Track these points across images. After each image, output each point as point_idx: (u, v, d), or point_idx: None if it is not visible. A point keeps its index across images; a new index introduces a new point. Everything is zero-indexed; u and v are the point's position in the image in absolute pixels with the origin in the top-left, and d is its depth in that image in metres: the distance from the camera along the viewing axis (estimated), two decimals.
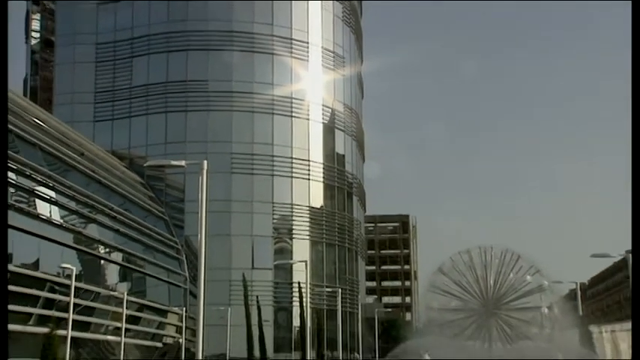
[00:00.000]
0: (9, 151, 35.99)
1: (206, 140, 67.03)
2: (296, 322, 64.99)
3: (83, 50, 71.21)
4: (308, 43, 72.92)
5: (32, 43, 78.37)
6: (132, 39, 70.51)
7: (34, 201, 39.21)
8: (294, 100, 70.91)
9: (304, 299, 51.27)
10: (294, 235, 69.22)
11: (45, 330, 32.92)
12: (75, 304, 36.88)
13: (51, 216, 40.54)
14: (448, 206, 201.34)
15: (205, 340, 24.72)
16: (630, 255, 33.30)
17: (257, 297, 61.07)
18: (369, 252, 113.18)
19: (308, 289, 45.92)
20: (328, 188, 72.86)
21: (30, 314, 36.32)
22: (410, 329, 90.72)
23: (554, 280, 42.95)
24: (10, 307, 32.16)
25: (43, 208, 39.80)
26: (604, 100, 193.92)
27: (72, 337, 36.33)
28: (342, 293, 58.31)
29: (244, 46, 69.88)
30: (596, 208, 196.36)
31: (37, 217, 38.58)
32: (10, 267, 33.97)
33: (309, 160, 70.79)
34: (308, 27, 73.39)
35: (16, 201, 36.62)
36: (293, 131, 70.52)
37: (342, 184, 74.82)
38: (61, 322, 36.14)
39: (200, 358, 22.10)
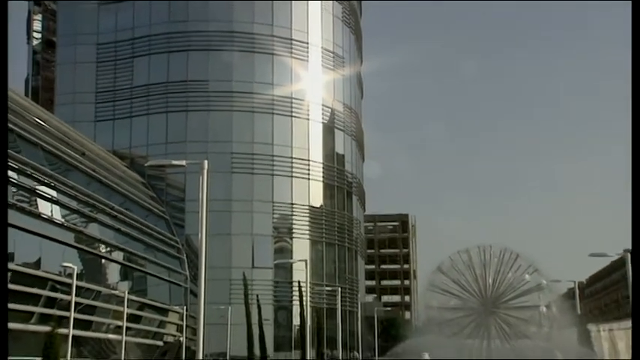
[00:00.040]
0: (11, 151, 36.25)
1: (206, 140, 67.23)
2: (296, 320, 65.12)
3: (84, 50, 71.37)
4: (308, 43, 73.12)
5: (34, 44, 78.59)
6: (133, 39, 70.68)
7: (36, 200, 39.37)
8: (294, 100, 71.11)
9: (304, 298, 51.48)
10: (294, 235, 69.43)
11: (46, 328, 33.07)
12: (76, 303, 37.10)
13: (52, 215, 40.73)
14: (448, 206, 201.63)
15: (206, 339, 24.89)
16: (629, 254, 33.56)
17: (257, 296, 61.19)
18: (369, 251, 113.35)
19: (308, 288, 46.03)
20: (328, 188, 73.06)
21: (32, 313, 36.51)
22: (409, 328, 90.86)
23: (552, 279, 43.27)
24: (12, 305, 32.40)
25: (44, 208, 39.97)
26: (604, 100, 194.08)
27: (73, 336, 36.54)
28: (341, 292, 58.47)
29: (244, 47, 70.08)
30: (595, 208, 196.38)
31: (38, 216, 38.76)
32: (12, 266, 34.21)
33: (308, 160, 70.99)
34: (308, 27, 73.59)
35: (17, 200, 36.78)
36: (293, 131, 70.72)
37: (341, 184, 75.03)
38: (62, 321, 36.27)
39: (201, 356, 22.25)
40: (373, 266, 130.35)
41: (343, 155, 76.11)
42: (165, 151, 65.20)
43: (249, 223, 67.11)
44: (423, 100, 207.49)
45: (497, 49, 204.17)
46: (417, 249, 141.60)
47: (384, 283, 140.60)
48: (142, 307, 51.51)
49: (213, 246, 51.96)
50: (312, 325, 54.85)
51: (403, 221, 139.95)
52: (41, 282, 37.55)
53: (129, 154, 68.28)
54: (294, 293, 65.33)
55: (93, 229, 46.64)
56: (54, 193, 41.58)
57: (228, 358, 58.06)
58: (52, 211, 40.85)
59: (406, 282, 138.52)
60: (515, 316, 40.20)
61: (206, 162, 23.07)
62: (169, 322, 56.16)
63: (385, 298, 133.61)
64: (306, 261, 47.22)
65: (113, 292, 46.23)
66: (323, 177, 72.11)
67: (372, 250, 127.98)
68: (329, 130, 74.18)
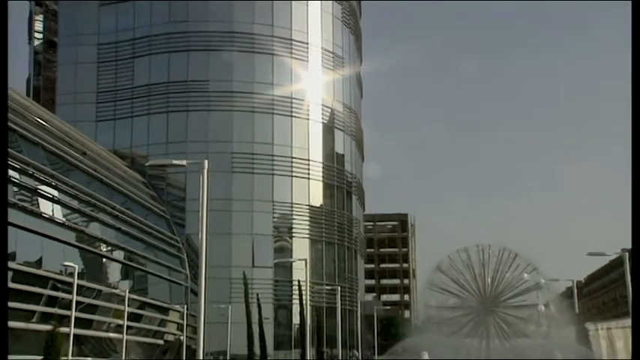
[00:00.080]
0: (13, 151, 36.46)
1: (207, 140, 67.40)
2: (296, 319, 65.28)
3: (85, 51, 71.53)
4: (308, 43, 73.30)
5: (35, 44, 78.74)
6: (133, 39, 70.84)
7: (37, 200, 39.48)
8: (294, 100, 71.29)
9: (304, 297, 51.71)
10: (294, 234, 69.61)
11: (48, 327, 33.22)
12: (77, 302, 37.25)
13: (53, 215, 40.89)
14: (447, 206, 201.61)
15: (206, 338, 25.08)
16: (627, 254, 33.79)
17: (257, 295, 61.38)
18: (368, 250, 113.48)
19: (308, 287, 46.24)
20: (328, 187, 73.24)
21: (33, 312, 36.65)
22: (408, 327, 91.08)
23: (550, 278, 43.45)
24: (14, 304, 32.62)
25: (45, 207, 40.10)
26: (604, 100, 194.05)
27: (74, 335, 36.77)
28: (341, 291, 58.58)
29: (244, 47, 70.26)
30: (595, 208, 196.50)
31: (39, 215, 38.91)
32: (14, 265, 34.37)
33: (308, 160, 71.18)
34: (308, 28, 73.77)
35: (19, 200, 36.97)
36: (293, 131, 70.90)
37: (341, 184, 75.22)
38: (63, 320, 36.37)
39: (201, 355, 22.41)
40: (373, 265, 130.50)
41: (343, 155, 76.29)
42: (166, 150, 65.39)
43: (249, 223, 67.30)
44: (423, 100, 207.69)
45: (497, 49, 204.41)
46: (417, 248, 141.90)
47: (384, 282, 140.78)
48: (143, 305, 51.71)
49: (213, 245, 52.29)
50: (312, 323, 55.04)
51: (402, 221, 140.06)
52: (42, 281, 37.72)
53: (130, 154, 68.46)
54: (294, 292, 65.53)
55: (94, 229, 46.82)
56: (55, 192, 41.75)
57: (228, 356, 58.22)
58: (53, 211, 41.02)
59: (405, 281, 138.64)
60: (514, 314, 40.32)
61: (206, 162, 23.27)
62: (170, 321, 56.32)
63: (384, 297, 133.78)
64: (306, 260, 47.38)
65: (114, 291, 46.42)
66: (323, 177, 72.29)
67: (372, 250, 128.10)
68: (329, 130, 74.38)
